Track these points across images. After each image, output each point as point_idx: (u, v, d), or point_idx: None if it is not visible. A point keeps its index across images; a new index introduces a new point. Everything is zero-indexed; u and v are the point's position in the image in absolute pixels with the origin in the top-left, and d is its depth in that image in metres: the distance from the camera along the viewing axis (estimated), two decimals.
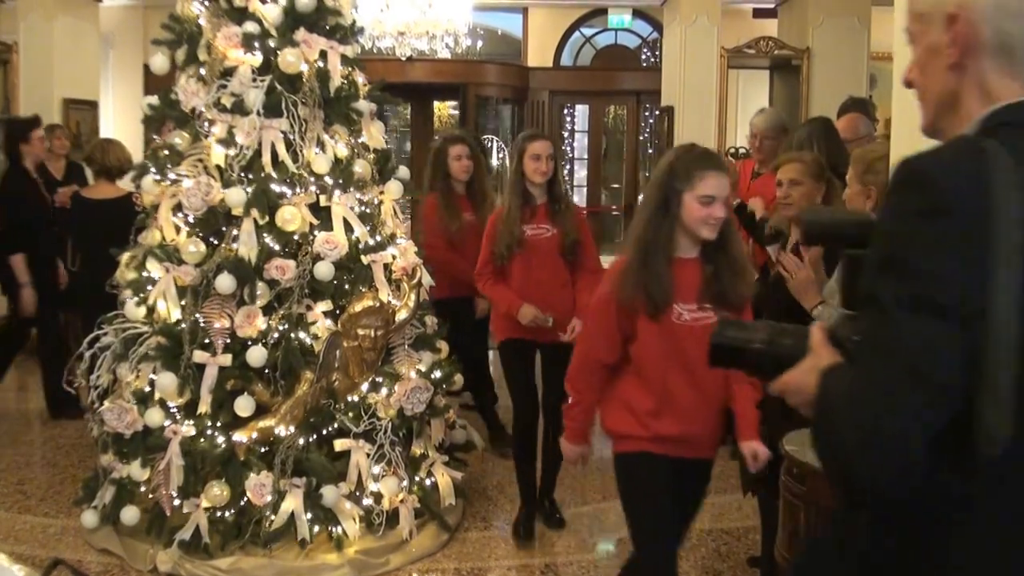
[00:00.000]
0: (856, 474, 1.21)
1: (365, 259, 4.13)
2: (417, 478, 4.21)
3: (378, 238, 4.27)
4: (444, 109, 12.85)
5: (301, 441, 3.89)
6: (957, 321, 1.16)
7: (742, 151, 6.46)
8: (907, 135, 2.94)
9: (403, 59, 9.61)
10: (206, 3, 4.16)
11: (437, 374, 4.28)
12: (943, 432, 1.18)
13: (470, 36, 9.97)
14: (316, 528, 3.89)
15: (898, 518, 1.30)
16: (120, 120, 10.19)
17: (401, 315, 4.12)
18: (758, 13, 9.69)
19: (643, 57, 12.38)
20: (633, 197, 11.85)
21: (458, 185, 5.42)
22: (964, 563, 1.24)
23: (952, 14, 1.32)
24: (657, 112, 10.50)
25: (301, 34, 4.06)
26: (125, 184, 5.64)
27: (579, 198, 11.68)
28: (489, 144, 11.42)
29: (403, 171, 4.54)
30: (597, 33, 12.26)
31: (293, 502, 3.84)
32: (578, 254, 4.29)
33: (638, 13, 11.82)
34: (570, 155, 12.16)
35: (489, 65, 11.65)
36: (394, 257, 4.26)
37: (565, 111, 12.30)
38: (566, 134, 12.54)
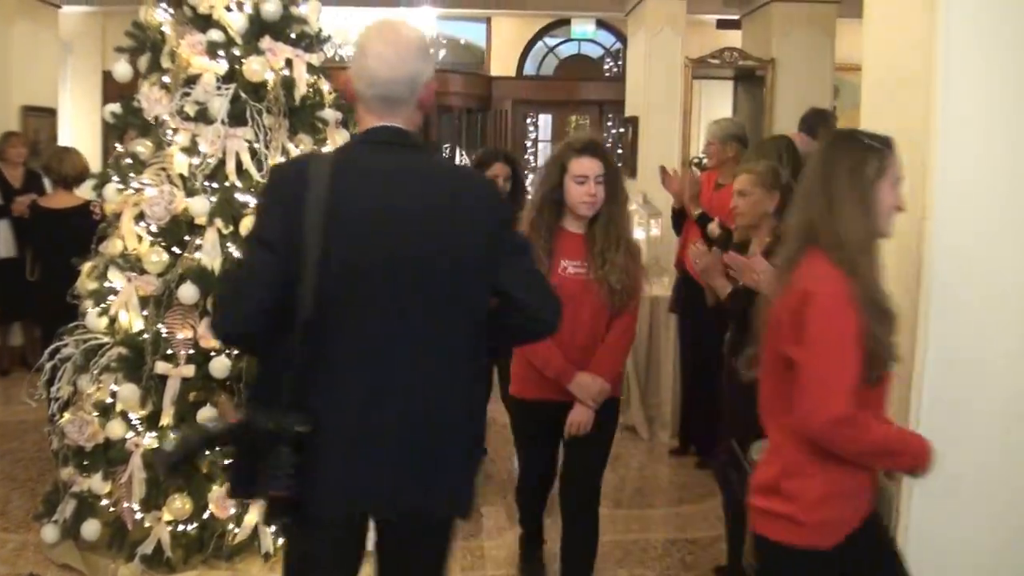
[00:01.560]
0: (218, 332, 2.35)
1: None
2: None
3: None
4: None
5: None
6: (279, 249, 2.10)
7: (705, 162, 6.49)
8: None
9: None
10: (170, 10, 4.12)
11: None
12: (283, 309, 2.09)
13: (433, 45, 9.98)
14: (280, 541, 3.85)
15: (266, 362, 2.27)
16: (79, 128, 10.07)
17: None
18: (722, 24, 9.76)
19: (606, 67, 12.46)
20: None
21: None
22: (295, 384, 2.11)
23: (346, 77, 2.25)
24: (620, 122, 10.56)
25: (266, 42, 4.03)
26: (83, 192, 5.56)
27: None
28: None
29: None
30: (560, 43, 12.33)
31: (256, 515, 3.80)
32: (626, 302, 3.39)
33: (601, 23, 11.90)
34: (532, 164, 12.21)
35: (452, 74, 11.65)
36: None
37: (528, 121, 12.34)
38: (529, 144, 12.57)
